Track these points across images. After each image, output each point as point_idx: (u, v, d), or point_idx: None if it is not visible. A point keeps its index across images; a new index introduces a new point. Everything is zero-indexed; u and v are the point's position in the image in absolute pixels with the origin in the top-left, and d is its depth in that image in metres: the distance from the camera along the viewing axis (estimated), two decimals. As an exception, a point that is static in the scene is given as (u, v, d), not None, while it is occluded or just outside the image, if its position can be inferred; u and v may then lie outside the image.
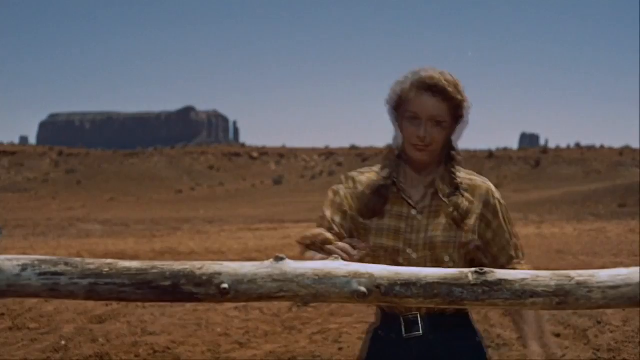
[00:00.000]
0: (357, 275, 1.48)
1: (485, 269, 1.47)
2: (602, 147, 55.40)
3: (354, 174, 2.18)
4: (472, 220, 2.01)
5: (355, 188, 2.10)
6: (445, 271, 1.47)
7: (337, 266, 1.50)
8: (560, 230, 15.46)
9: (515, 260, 2.04)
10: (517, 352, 5.23)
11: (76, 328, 6.39)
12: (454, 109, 2.03)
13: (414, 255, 1.99)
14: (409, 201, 2.04)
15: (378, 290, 1.45)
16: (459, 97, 2.02)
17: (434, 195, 2.05)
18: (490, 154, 51.60)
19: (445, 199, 2.03)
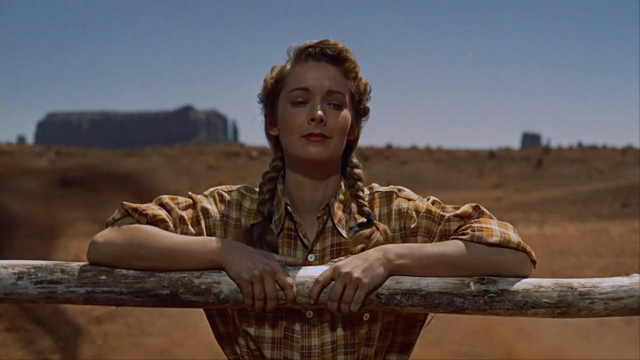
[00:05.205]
0: (357, 284, 1.45)
1: (487, 279, 1.45)
2: (604, 146, 55.15)
3: (234, 195, 1.56)
4: None
5: (228, 217, 1.54)
6: (446, 280, 1.45)
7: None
8: (563, 231, 15.41)
9: (464, 226, 1.46)
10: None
11: (74, 329, 6.36)
12: (355, 93, 1.52)
13: (310, 316, 1.49)
14: (304, 241, 1.50)
15: (379, 300, 1.43)
16: (362, 78, 1.53)
17: (334, 231, 1.51)
18: (491, 154, 51.44)
19: (349, 237, 1.49)
